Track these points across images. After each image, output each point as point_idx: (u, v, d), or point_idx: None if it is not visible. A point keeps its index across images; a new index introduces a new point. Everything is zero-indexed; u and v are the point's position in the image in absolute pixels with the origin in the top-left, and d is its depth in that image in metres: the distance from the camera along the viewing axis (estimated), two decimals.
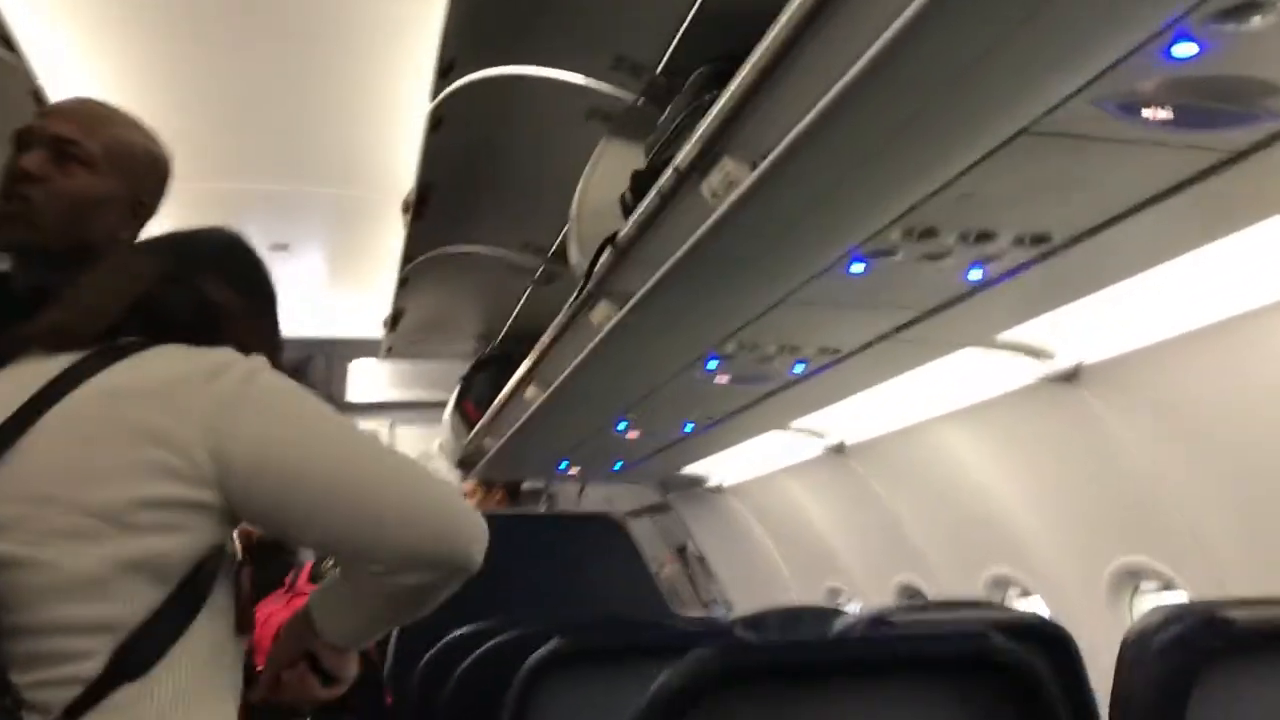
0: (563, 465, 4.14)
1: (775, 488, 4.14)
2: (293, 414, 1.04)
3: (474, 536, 1.06)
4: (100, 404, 0.99)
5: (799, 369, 2.56)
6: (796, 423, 3.33)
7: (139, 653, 0.95)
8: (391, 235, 3.56)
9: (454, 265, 3.38)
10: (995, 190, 1.51)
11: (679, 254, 1.81)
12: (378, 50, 2.79)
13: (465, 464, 4.68)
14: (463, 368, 4.50)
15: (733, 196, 1.50)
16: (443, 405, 4.96)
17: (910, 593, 3.67)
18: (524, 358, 3.37)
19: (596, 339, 2.36)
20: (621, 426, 3.19)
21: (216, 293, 1.12)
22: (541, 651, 1.80)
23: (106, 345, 1.03)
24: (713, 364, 2.51)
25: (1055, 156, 1.39)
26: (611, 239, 1.99)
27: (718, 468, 4.33)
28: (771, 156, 1.43)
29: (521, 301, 3.64)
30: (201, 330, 1.08)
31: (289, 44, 2.96)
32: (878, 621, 1.76)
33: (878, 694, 1.06)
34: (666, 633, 1.99)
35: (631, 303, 2.09)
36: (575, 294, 2.27)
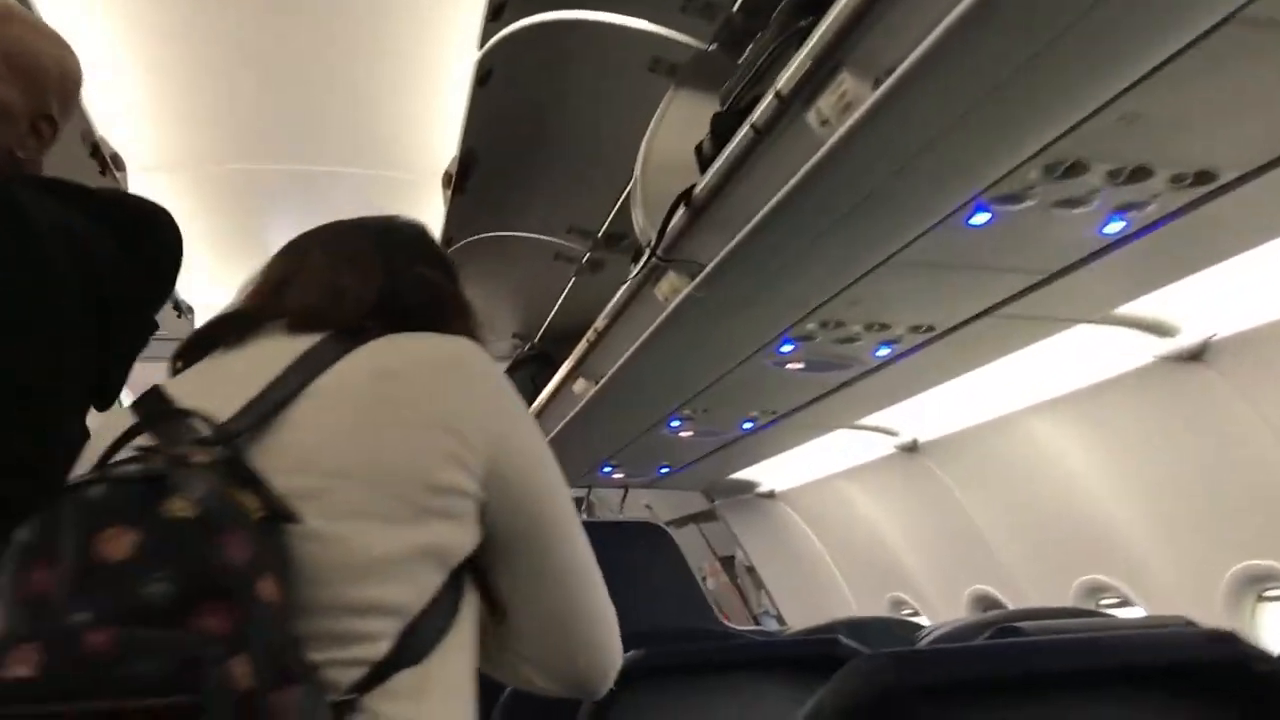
0: (605, 469, 3.92)
1: (833, 492, 3.91)
2: (545, 461, 1.03)
3: (612, 674, 1.06)
4: (374, 383, 0.97)
5: (883, 352, 2.32)
6: (866, 420, 3.10)
7: (420, 638, 0.93)
8: (429, 223, 3.36)
9: (494, 253, 3.17)
10: (1159, 112, 1.28)
11: (772, 203, 1.59)
12: (419, 16, 2.59)
13: None
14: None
15: (850, 120, 1.27)
16: None
17: (986, 604, 3.43)
18: (564, 357, 3.17)
19: (660, 318, 2.14)
20: (675, 424, 2.96)
21: (445, 283, 1.14)
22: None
23: (352, 329, 1.02)
24: (787, 347, 2.28)
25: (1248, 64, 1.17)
26: (686, 195, 1.77)
27: (769, 472, 4.11)
28: (902, 69, 1.20)
29: (565, 293, 3.42)
30: (438, 320, 1.07)
31: (321, 14, 2.77)
32: (1006, 630, 1.52)
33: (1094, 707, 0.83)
34: (754, 646, 1.77)
35: (706, 271, 1.87)
36: (639, 265, 2.05)
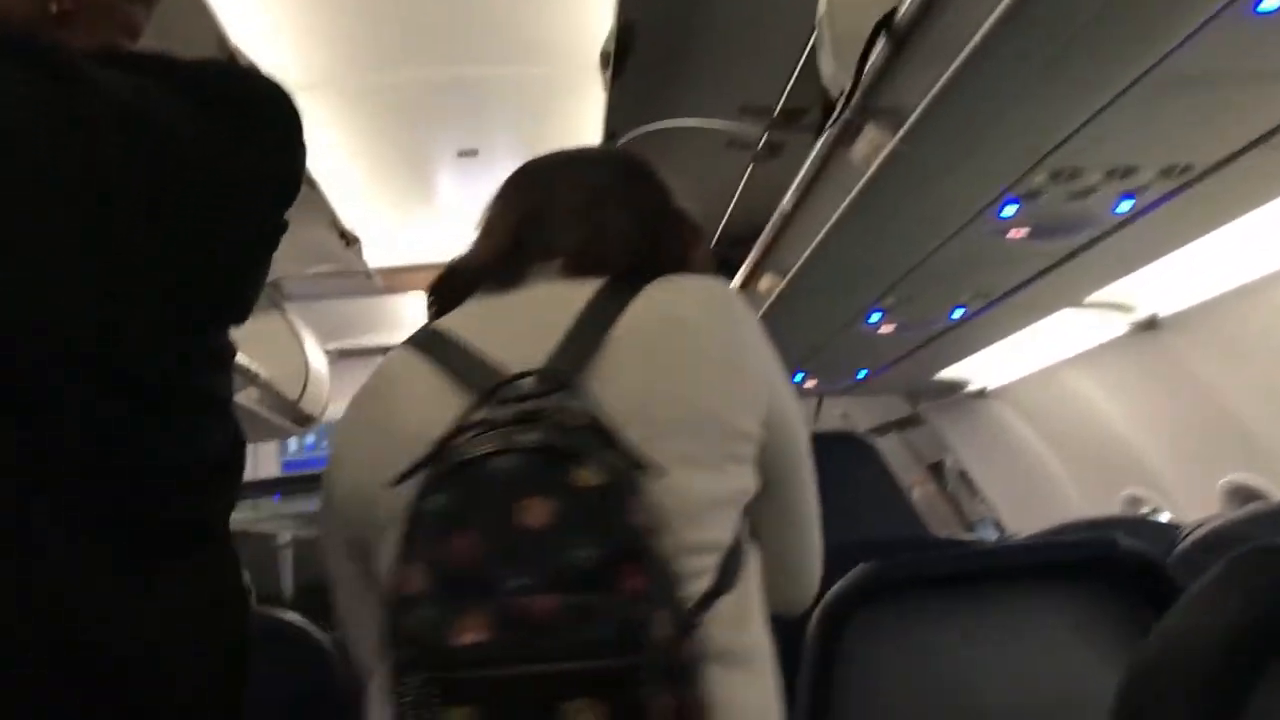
0: (797, 377, 3.68)
1: (1054, 384, 3.55)
2: (796, 404, 1.08)
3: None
4: (666, 330, 1.01)
5: (1124, 207, 1.99)
6: (1096, 295, 2.74)
7: (731, 570, 0.98)
8: (589, 122, 3.16)
9: (659, 148, 2.94)
10: None
11: (994, 17, 1.30)
12: None
13: None
14: None
15: None
16: None
17: (1244, 496, 3.04)
18: (743, 260, 2.93)
19: (858, 185, 1.87)
20: (874, 319, 2.69)
21: (685, 216, 1.17)
22: (843, 585, 1.39)
23: (624, 271, 1.05)
24: (1009, 209, 1.98)
25: None
26: (884, 23, 1.49)
27: (980, 369, 3.78)
28: None
29: (741, 186, 3.17)
30: (690, 254, 1.13)
31: None
32: None
33: None
34: (1012, 552, 1.54)
35: (914, 118, 1.59)
36: (831, 121, 1.78)
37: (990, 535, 4.50)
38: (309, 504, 4.64)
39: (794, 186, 2.14)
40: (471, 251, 1.14)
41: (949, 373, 3.82)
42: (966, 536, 4.52)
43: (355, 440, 1.06)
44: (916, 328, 2.75)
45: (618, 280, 1.04)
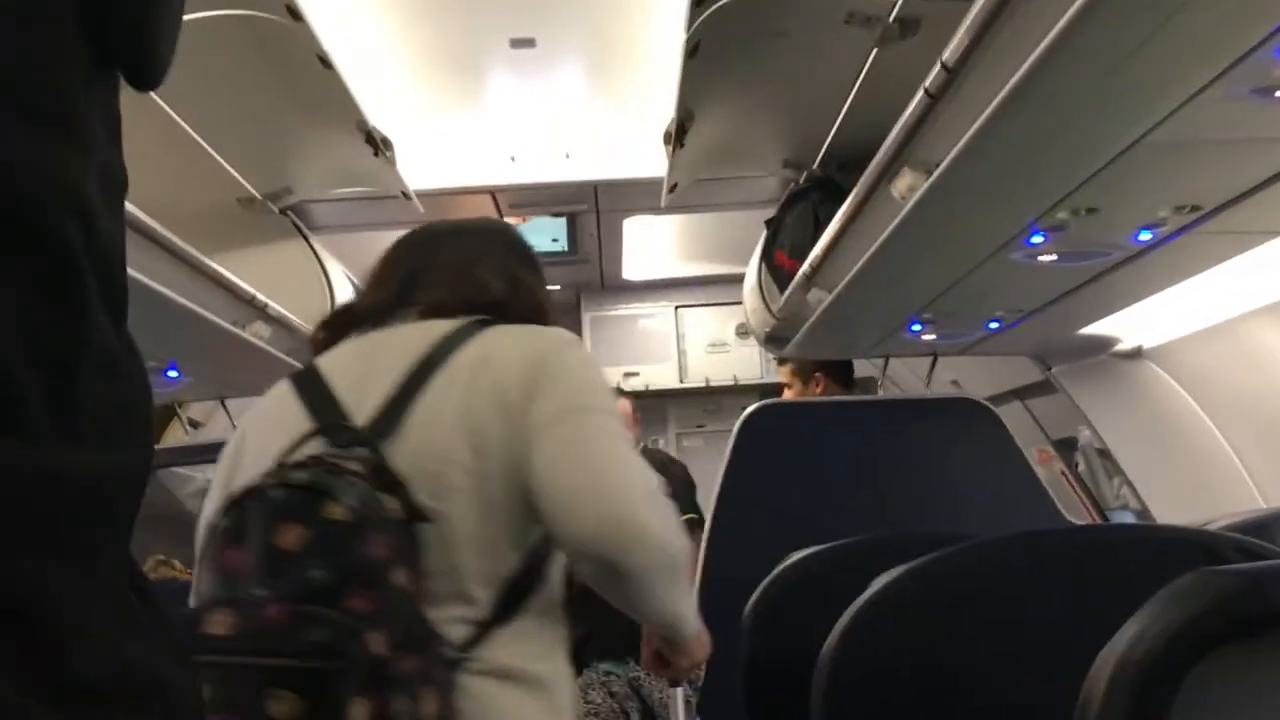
0: (914, 326, 3.14)
1: (1235, 341, 2.97)
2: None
3: (630, 537, 1.22)
4: (474, 369, 1.32)
5: None
6: None
7: (509, 601, 1.27)
8: (664, 13, 2.65)
9: (751, 26, 2.41)
10: None
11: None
12: None
13: (776, 339, 3.77)
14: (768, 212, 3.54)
15: None
16: (738, 280, 4.07)
17: None
18: (857, 180, 2.40)
19: (1038, 50, 1.35)
20: (1036, 239, 2.14)
21: (527, 281, 1.52)
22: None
23: (469, 319, 1.39)
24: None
25: None
26: None
27: (1135, 323, 3.20)
28: None
29: (861, 76, 2.61)
30: (528, 316, 1.45)
31: None
32: None
33: None
34: None
35: None
36: None
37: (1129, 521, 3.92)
38: None
39: (925, 85, 1.61)
40: (358, 296, 1.49)
41: (1097, 328, 3.25)
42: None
43: (235, 452, 1.39)
44: (1089, 255, 2.19)
45: (462, 325, 1.35)
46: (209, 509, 1.33)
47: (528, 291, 1.48)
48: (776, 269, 3.29)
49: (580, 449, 1.25)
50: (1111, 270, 2.39)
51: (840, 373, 4.12)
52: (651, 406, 5.77)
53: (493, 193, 3.60)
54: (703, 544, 2.88)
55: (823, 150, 3.18)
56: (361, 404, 1.30)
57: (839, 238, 2.67)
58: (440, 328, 1.36)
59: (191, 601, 1.24)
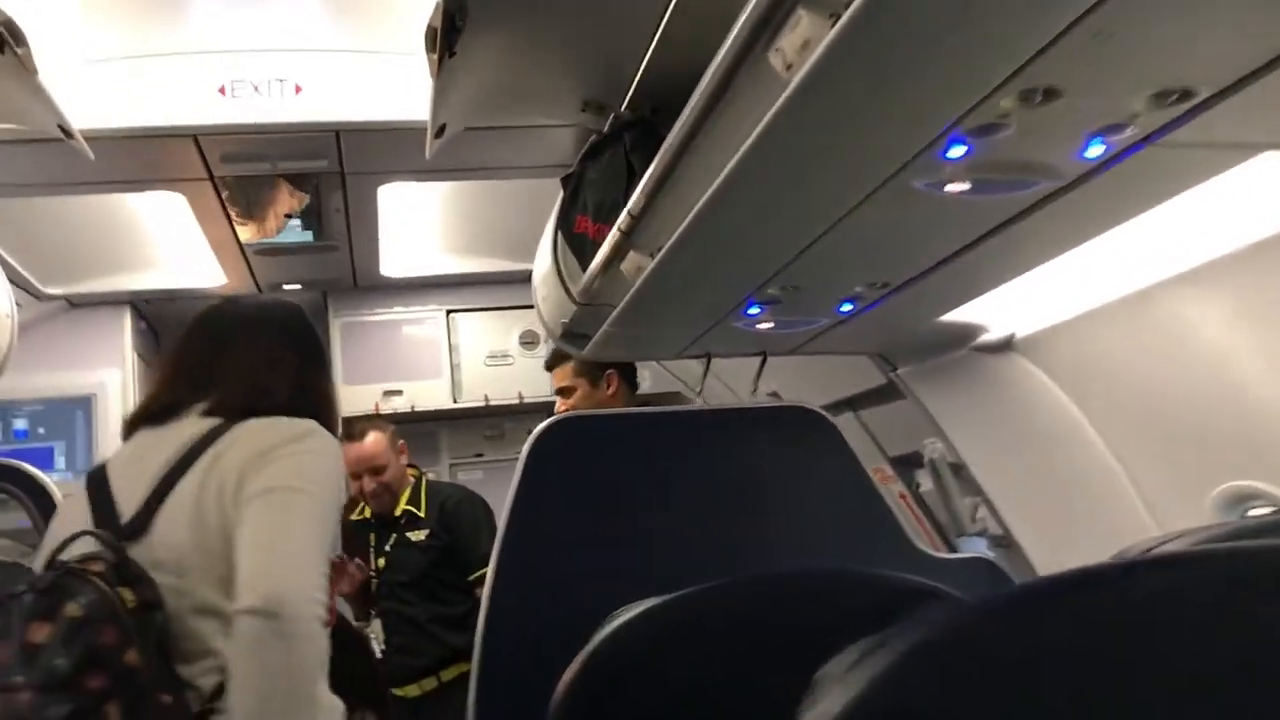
0: (751, 309, 2.58)
1: (1132, 322, 2.54)
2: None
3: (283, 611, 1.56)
4: (208, 467, 1.68)
5: None
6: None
7: None
8: None
9: None
10: None
11: None
12: None
13: (575, 336, 3.14)
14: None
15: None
16: (522, 280, 3.42)
17: None
18: (677, 115, 1.82)
19: None
20: (947, 157, 1.58)
21: (312, 377, 1.91)
22: None
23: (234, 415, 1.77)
24: None
25: None
26: None
27: (1003, 307, 2.75)
28: None
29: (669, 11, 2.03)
30: (308, 414, 1.81)
31: None
32: None
33: None
34: None
35: None
36: None
37: (981, 549, 3.49)
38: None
39: None
40: (153, 388, 1.83)
41: (961, 314, 2.78)
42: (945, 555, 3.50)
43: (43, 549, 1.72)
44: (1010, 187, 1.66)
45: (227, 422, 1.74)
46: None
47: (313, 396, 1.83)
48: (577, 238, 2.66)
49: (267, 524, 1.61)
50: (995, 233, 1.89)
51: (630, 375, 3.59)
52: (419, 432, 5.06)
53: (196, 137, 2.83)
54: (482, 605, 2.23)
55: (633, 86, 2.58)
56: (130, 501, 1.69)
57: (660, 185, 2.07)
58: (202, 426, 1.72)
59: None
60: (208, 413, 1.75)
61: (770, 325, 2.72)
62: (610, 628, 1.48)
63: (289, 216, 3.73)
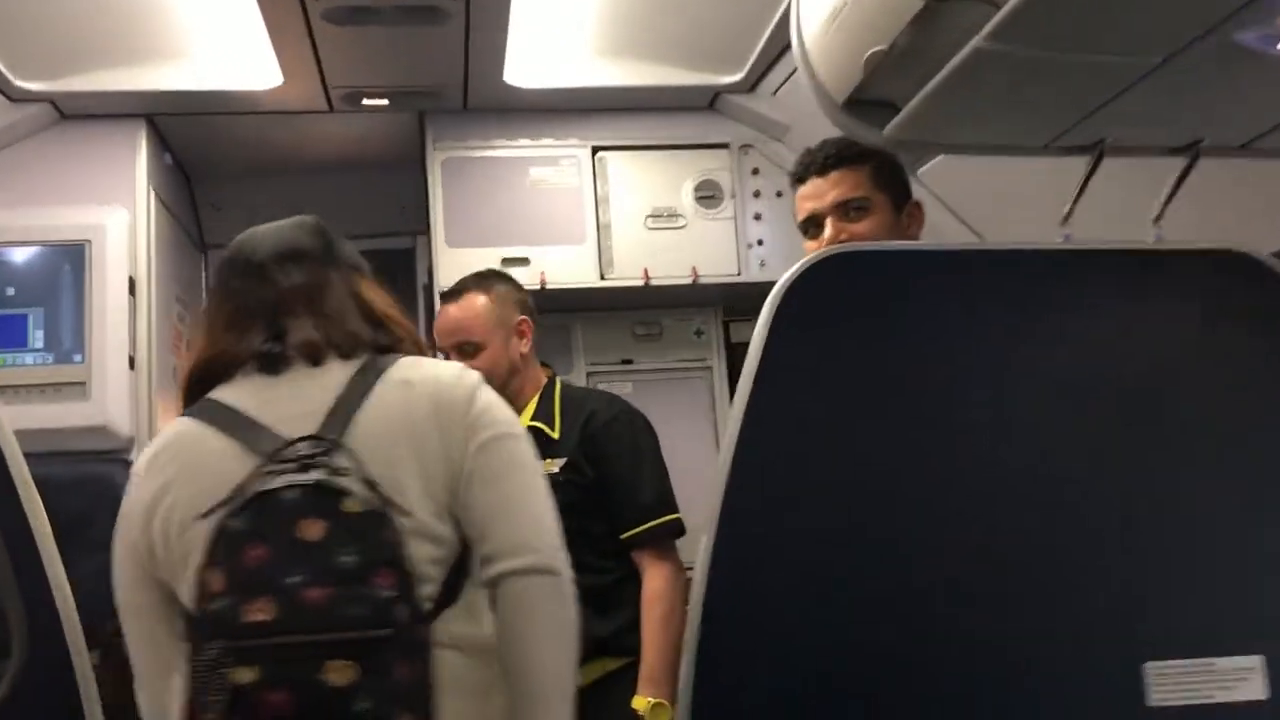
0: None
1: None
2: None
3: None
4: (401, 408, 1.74)
5: None
6: None
7: (453, 583, 1.72)
8: None
9: None
10: None
11: None
12: None
13: (866, 105, 1.93)
14: None
15: None
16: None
17: None
18: None
19: None
20: None
21: (399, 313, 1.96)
22: None
23: (370, 355, 1.82)
24: None
25: None
26: None
27: None
28: None
29: None
30: (398, 345, 1.92)
31: None
32: None
33: None
34: None
35: None
36: None
37: None
38: None
39: None
40: (218, 342, 1.83)
41: None
42: None
43: (161, 489, 1.70)
44: None
45: (364, 367, 1.77)
46: (145, 528, 1.71)
47: (392, 326, 1.89)
48: None
49: (516, 477, 1.77)
50: None
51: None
52: (549, 323, 3.85)
53: None
54: (700, 559, 1.62)
55: None
56: (295, 431, 1.66)
57: None
58: (340, 368, 1.78)
59: (191, 604, 1.59)
60: (306, 359, 1.80)
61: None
62: None
63: None
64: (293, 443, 1.62)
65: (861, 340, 1.68)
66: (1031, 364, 1.72)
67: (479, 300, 3.00)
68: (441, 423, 1.73)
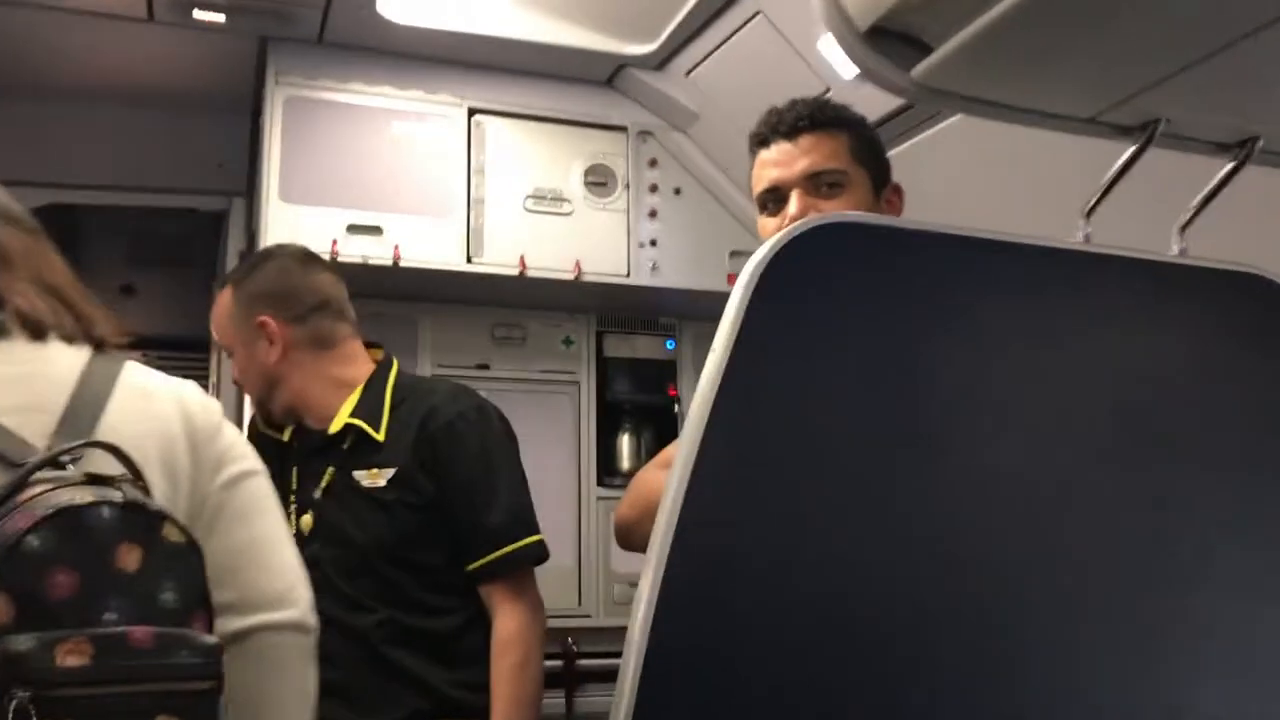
0: None
1: None
2: None
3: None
4: (141, 400, 1.56)
5: None
6: None
7: None
8: None
9: None
10: None
11: None
12: None
13: (893, 36, 1.55)
14: None
15: None
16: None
17: None
18: None
19: None
20: None
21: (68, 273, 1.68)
22: None
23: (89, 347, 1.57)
24: None
25: None
26: None
27: None
28: None
29: None
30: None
31: None
32: None
33: None
34: None
35: None
36: None
37: None
38: None
39: None
40: None
41: None
42: None
43: None
44: None
45: (93, 361, 1.51)
46: None
47: (101, 318, 1.60)
48: None
49: (265, 518, 1.61)
50: None
51: None
52: (392, 312, 3.33)
53: None
54: (648, 572, 1.15)
55: None
56: (22, 427, 1.41)
57: None
58: (72, 354, 1.51)
59: None
60: (34, 339, 1.52)
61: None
62: None
63: None
64: (70, 449, 1.37)
65: (851, 327, 1.42)
66: (1038, 367, 1.53)
67: (224, 297, 2.53)
68: (192, 445, 1.55)
